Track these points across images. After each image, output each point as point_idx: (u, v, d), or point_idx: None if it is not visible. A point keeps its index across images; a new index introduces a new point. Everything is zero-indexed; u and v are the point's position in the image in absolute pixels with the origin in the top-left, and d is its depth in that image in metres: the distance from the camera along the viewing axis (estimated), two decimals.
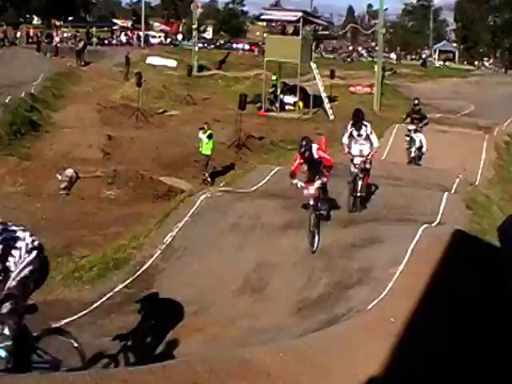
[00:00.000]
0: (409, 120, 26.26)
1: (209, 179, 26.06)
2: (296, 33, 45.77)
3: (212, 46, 78.83)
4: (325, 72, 48.89)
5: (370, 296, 11.31)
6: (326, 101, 44.14)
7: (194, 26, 61.39)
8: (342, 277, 12.92)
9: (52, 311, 13.42)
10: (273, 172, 20.00)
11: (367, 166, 17.24)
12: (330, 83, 47.96)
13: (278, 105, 44.76)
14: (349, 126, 17.47)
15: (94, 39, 70.98)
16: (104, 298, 13.61)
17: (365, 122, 17.47)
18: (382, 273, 12.19)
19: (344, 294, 12.27)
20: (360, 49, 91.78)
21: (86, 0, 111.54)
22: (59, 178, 23.32)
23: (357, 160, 17.02)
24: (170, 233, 15.33)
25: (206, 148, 26.62)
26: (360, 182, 16.99)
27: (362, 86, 53.16)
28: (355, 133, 17.35)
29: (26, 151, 29.15)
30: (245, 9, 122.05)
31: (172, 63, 59.05)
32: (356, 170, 17.00)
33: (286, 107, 45.49)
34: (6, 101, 35.93)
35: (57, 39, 64.59)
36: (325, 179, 14.61)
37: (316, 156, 14.79)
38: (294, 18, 45.45)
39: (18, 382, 7.51)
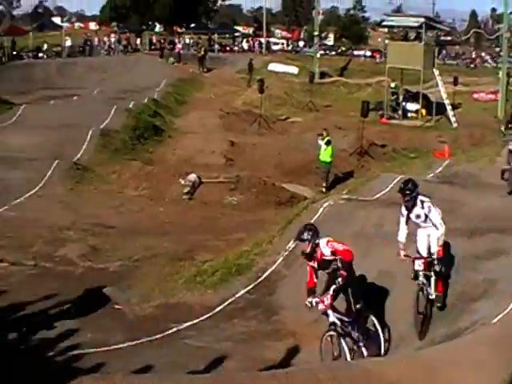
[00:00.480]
0: None
1: (323, 189, 25.41)
2: (418, 39, 45.23)
3: (333, 53, 78.46)
4: (448, 79, 47.94)
5: (495, 309, 11.00)
6: (449, 108, 43.29)
7: (316, 33, 61.30)
8: (465, 288, 12.59)
9: (174, 314, 13.69)
10: (396, 180, 19.63)
11: (436, 268, 12.14)
12: (453, 90, 46.88)
13: (400, 112, 44.19)
14: (402, 208, 12.37)
15: (216, 46, 71.82)
16: (226, 303, 13.73)
17: (421, 197, 12.31)
18: (507, 285, 11.84)
19: (468, 306, 11.96)
20: (484, 54, 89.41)
21: (207, 7, 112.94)
22: (182, 182, 23.70)
23: (418, 265, 12.07)
24: (293, 239, 15.18)
25: (325, 154, 26.48)
26: (429, 294, 12.14)
27: (485, 93, 51.87)
28: (413, 215, 12.30)
29: (149, 156, 29.84)
30: (366, 15, 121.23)
31: (294, 70, 59.12)
32: (421, 281, 12.12)
33: (409, 114, 44.81)
34: (130, 106, 36.92)
35: (179, 46, 65.64)
36: (340, 280, 11.10)
37: (328, 253, 11.36)
38: (416, 24, 44.96)
39: (144, 381, 7.70)
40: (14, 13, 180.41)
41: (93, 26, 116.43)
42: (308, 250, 11.27)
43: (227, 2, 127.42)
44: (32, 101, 45.12)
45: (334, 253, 11.34)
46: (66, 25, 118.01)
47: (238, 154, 29.02)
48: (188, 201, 23.01)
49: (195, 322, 13.31)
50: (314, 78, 51.78)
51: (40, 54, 66.94)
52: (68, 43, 68.13)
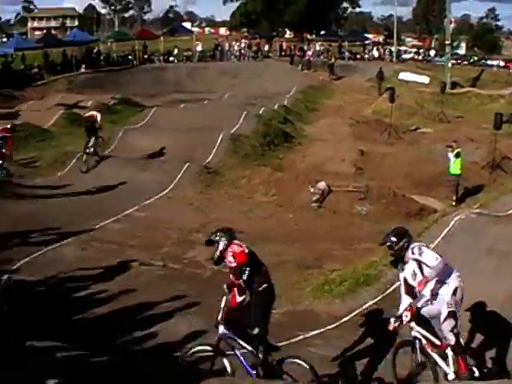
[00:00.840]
0: None
1: (453, 203, 25.00)
2: None
3: (465, 62, 76.97)
4: None
5: None
6: None
7: (447, 42, 60.19)
8: None
9: (301, 322, 13.66)
10: None
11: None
12: None
13: None
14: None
15: (346, 53, 71.60)
16: (353, 313, 13.60)
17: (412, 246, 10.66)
18: None
19: None
20: None
21: (338, 14, 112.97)
22: (311, 190, 23.63)
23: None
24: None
25: (455, 167, 25.94)
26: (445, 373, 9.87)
27: None
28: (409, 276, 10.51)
29: (279, 162, 29.96)
30: (499, 23, 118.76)
31: (424, 79, 58.26)
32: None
33: None
34: (260, 112, 37.17)
35: (309, 53, 65.81)
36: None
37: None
38: None
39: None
40: (145, 17, 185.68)
41: (223, 31, 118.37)
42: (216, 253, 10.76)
43: (357, 10, 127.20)
44: (163, 103, 46.26)
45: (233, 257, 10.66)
46: (196, 30, 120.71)
47: (368, 164, 28.76)
48: (317, 209, 22.91)
49: (322, 330, 13.24)
50: (446, 88, 50.86)
51: (171, 58, 68.49)
52: (199, 48, 69.40)
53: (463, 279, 13.56)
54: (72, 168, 27.90)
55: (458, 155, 25.85)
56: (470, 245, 15.12)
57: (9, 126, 22.77)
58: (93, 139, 28.54)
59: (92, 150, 28.48)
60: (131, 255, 18.21)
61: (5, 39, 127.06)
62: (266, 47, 75.99)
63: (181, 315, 13.87)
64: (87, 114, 29.92)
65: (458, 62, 72.84)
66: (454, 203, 24.81)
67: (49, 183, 26.33)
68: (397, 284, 13.78)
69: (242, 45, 71.47)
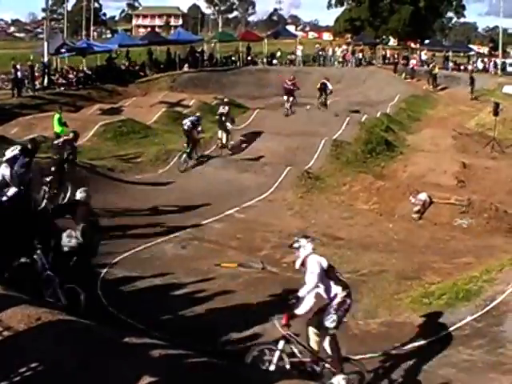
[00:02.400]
0: None
1: None
2: None
3: None
4: None
5: None
6: None
7: None
8: None
9: (399, 333, 13.59)
10: None
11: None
12: None
13: None
14: None
15: (450, 64, 70.66)
16: (452, 328, 13.44)
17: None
18: None
19: None
20: None
21: (443, 24, 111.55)
22: (412, 200, 23.43)
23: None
24: None
25: None
26: None
27: None
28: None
29: (381, 170, 29.82)
30: None
31: None
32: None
33: None
34: (363, 119, 37.07)
35: (413, 62, 65.16)
36: None
37: None
38: None
39: None
40: (249, 19, 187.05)
41: (327, 36, 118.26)
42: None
43: (462, 20, 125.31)
44: (265, 106, 46.41)
45: None
46: (300, 34, 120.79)
47: (470, 177, 28.32)
48: (417, 220, 22.75)
49: (419, 344, 13.15)
50: None
51: (274, 61, 68.78)
52: (299, 52, 69.48)
53: None
54: (173, 166, 28.42)
55: None
56: None
57: (71, 136, 23.52)
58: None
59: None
60: (230, 256, 18.46)
61: (109, 35, 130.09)
62: (370, 54, 75.75)
63: (278, 319, 13.95)
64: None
65: None
66: None
67: (150, 179, 26.85)
68: (497, 301, 13.68)
69: (346, 51, 71.35)
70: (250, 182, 25.98)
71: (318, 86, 43.98)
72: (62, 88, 49.86)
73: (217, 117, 33.03)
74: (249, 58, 69.85)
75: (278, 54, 71.34)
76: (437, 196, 23.82)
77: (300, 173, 26.72)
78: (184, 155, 28.90)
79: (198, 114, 31.55)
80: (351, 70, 62.69)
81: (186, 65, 62.46)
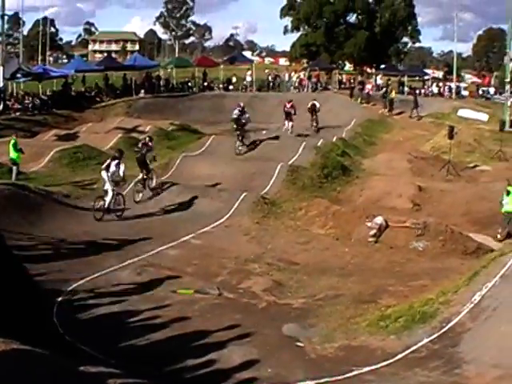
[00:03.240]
0: None
1: (498, 236, 25.16)
2: None
3: None
4: None
5: None
6: None
7: (507, 80, 59.67)
8: None
9: (355, 357, 13.58)
10: None
11: None
12: None
13: None
14: None
15: (406, 88, 71.44)
16: (408, 351, 13.44)
17: None
18: None
19: None
20: None
21: (398, 49, 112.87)
22: (368, 224, 23.52)
23: None
24: (479, 292, 14.58)
25: (506, 205, 25.88)
26: None
27: None
28: None
29: (337, 195, 30.00)
30: None
31: (483, 117, 57.75)
32: None
33: None
34: (319, 144, 37.26)
35: (368, 86, 65.77)
36: None
37: None
38: None
39: None
40: (206, 44, 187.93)
41: (283, 61, 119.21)
42: None
43: (417, 45, 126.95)
44: (221, 132, 46.48)
45: None
46: (256, 59, 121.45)
47: (426, 200, 28.61)
48: (374, 243, 22.82)
49: (376, 367, 13.16)
50: (505, 127, 50.37)
51: (230, 87, 69.03)
52: (248, 78, 69.84)
53: None
54: (130, 192, 28.18)
55: (508, 193, 25.85)
56: None
57: (147, 140, 25.13)
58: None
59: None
60: (187, 282, 18.32)
61: (65, 60, 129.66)
62: (326, 79, 76.30)
63: (235, 345, 13.88)
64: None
65: None
66: (498, 236, 25.01)
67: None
68: (453, 323, 13.76)
69: (302, 76, 71.78)
70: (206, 208, 25.88)
71: (309, 106, 46.52)
72: (18, 113, 49.56)
73: None
74: (205, 83, 70.03)
75: (234, 79, 71.58)
76: (393, 219, 23.93)
77: (256, 198, 26.71)
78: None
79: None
80: (307, 95, 62.88)
81: (142, 90, 62.45)
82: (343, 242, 23.12)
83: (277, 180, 29.66)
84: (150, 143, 28.55)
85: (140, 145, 28.88)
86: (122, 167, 25.94)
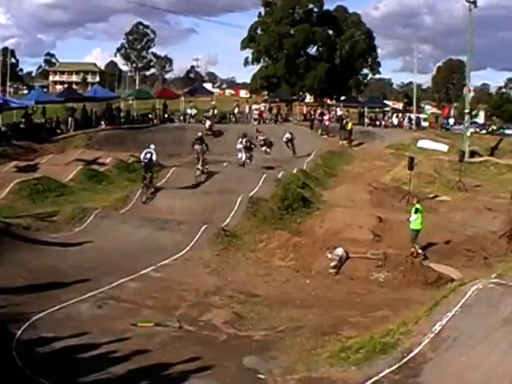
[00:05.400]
0: None
1: (419, 251, 26.03)
2: None
3: (484, 131, 77.32)
4: None
5: None
6: None
7: (466, 110, 60.56)
8: None
9: None
10: None
11: None
12: None
13: None
14: None
15: (366, 120, 72.10)
16: (370, 382, 13.42)
17: None
18: None
19: None
20: None
21: (358, 80, 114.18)
22: (329, 256, 23.54)
23: None
24: (440, 322, 14.67)
25: (414, 223, 26.65)
26: None
27: None
28: None
29: (297, 227, 30.00)
30: None
31: (443, 147, 58.53)
32: None
33: None
34: (279, 176, 37.37)
35: (326, 118, 66.14)
36: None
37: None
38: None
39: None
40: (167, 76, 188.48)
41: (243, 93, 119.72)
42: None
43: (377, 76, 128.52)
44: (182, 164, 46.41)
45: None
46: (217, 91, 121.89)
47: (386, 231, 28.73)
48: (334, 275, 22.84)
49: None
50: (464, 157, 50.85)
51: (191, 120, 69.01)
52: (188, 110, 70.19)
53: (479, 349, 13.59)
54: (89, 224, 28.01)
55: (416, 211, 26.66)
56: (487, 315, 14.96)
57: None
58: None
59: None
60: (147, 315, 18.20)
61: (26, 91, 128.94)
62: (286, 111, 76.74)
63: (195, 377, 13.81)
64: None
65: (477, 130, 73.22)
66: (412, 255, 25.47)
67: (66, 238, 26.43)
68: (414, 353, 13.78)
69: (262, 108, 72.10)
70: (166, 241, 25.75)
71: (285, 140, 49.37)
72: None
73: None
74: (166, 115, 70.03)
75: (195, 111, 71.57)
76: (353, 251, 24.00)
77: (217, 230, 26.60)
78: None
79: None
80: (268, 126, 63.14)
81: (103, 122, 62.22)
82: (304, 273, 23.12)
83: (237, 212, 29.63)
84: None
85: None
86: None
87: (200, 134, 41.62)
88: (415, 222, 26.65)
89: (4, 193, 33.27)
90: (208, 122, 63.11)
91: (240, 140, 44.04)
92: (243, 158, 43.48)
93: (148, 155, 34.20)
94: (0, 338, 15.44)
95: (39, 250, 24.22)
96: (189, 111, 69.77)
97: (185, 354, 15.25)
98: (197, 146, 38.87)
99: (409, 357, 13.92)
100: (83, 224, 28.08)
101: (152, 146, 34.74)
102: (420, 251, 26.09)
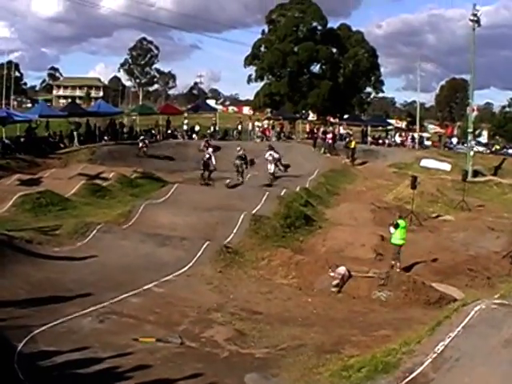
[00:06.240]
0: None
1: (397, 265, 26.16)
2: None
3: (487, 151, 77.42)
4: None
5: None
6: None
7: (469, 130, 60.58)
8: None
9: None
10: None
11: None
12: None
13: None
14: None
15: (369, 138, 72.13)
16: None
17: None
18: None
19: None
20: None
21: (361, 99, 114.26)
22: (331, 274, 23.50)
23: None
24: (442, 342, 14.53)
25: (394, 237, 26.82)
26: None
27: None
28: None
29: (300, 245, 29.97)
30: None
31: (446, 167, 58.52)
32: None
33: None
34: (282, 194, 37.36)
35: (329, 136, 66.08)
36: None
37: None
38: None
39: None
40: (170, 92, 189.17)
41: (246, 110, 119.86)
42: None
43: (381, 95, 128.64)
44: (185, 180, 46.50)
45: None
46: (220, 107, 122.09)
47: (388, 250, 28.65)
48: (336, 293, 22.80)
49: None
50: (467, 176, 50.83)
51: (193, 136, 69.13)
52: (186, 127, 70.37)
53: (480, 370, 13.53)
54: (92, 239, 28.00)
55: (396, 226, 26.77)
56: (489, 336, 14.90)
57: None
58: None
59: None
60: (148, 331, 18.13)
61: (29, 105, 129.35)
62: (289, 128, 76.81)
63: None
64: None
65: (480, 150, 73.22)
66: (397, 269, 25.81)
67: (68, 252, 26.42)
68: (416, 373, 13.70)
69: (266, 125, 72.15)
70: (169, 257, 25.71)
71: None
72: None
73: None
74: (168, 131, 70.16)
75: (197, 127, 71.75)
76: (355, 269, 23.99)
77: (219, 247, 26.56)
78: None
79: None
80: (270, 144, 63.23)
81: (106, 137, 62.31)
82: (306, 291, 23.08)
83: (240, 229, 29.57)
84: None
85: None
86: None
87: (242, 151, 45.85)
88: (395, 236, 26.69)
89: (7, 206, 33.31)
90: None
91: (269, 153, 46.83)
92: (272, 170, 46.05)
93: (207, 155, 43.13)
94: (1, 350, 15.41)
95: (41, 263, 24.21)
96: (185, 127, 69.92)
97: (186, 370, 15.20)
98: (237, 161, 44.41)
99: (411, 377, 13.81)
100: (86, 238, 28.03)
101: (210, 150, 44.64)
102: (398, 269, 25.93)
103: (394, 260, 26.42)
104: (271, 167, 46.01)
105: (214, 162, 44.13)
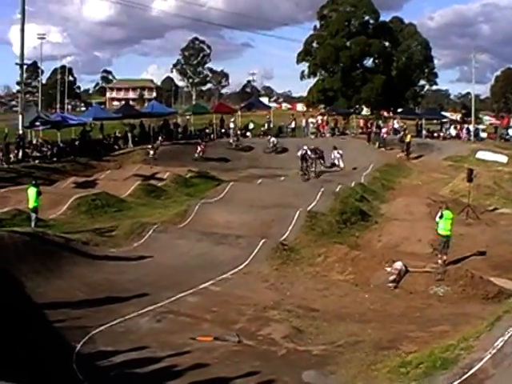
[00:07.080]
0: None
1: (443, 258, 25.51)
2: None
3: None
4: None
5: None
6: None
7: None
8: None
9: None
10: None
11: None
12: None
13: None
14: None
15: (424, 132, 71.35)
16: None
17: None
18: None
19: None
20: None
21: (415, 92, 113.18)
22: (388, 270, 23.32)
23: None
24: (502, 337, 14.20)
25: (439, 228, 26.15)
26: None
27: None
28: None
29: (356, 240, 29.79)
30: None
31: (503, 158, 57.50)
32: None
33: None
34: (337, 190, 37.20)
35: (384, 130, 65.63)
36: None
37: None
38: None
39: None
40: (223, 91, 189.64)
41: (300, 107, 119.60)
42: None
43: (434, 87, 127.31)
44: (239, 178, 46.57)
45: None
46: (273, 105, 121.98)
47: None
48: (393, 289, 22.60)
49: None
50: None
51: (247, 133, 69.07)
52: (231, 125, 70.11)
53: None
54: (148, 239, 28.23)
55: (441, 216, 26.06)
56: None
57: None
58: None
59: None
60: (206, 329, 18.26)
61: (83, 108, 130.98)
62: (343, 124, 76.45)
63: None
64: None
65: None
66: (439, 262, 25.24)
67: (124, 253, 26.68)
68: (475, 369, 13.53)
69: (320, 121, 71.89)
70: (225, 255, 25.83)
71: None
72: (37, 161, 50.15)
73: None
74: (222, 130, 70.27)
75: (251, 125, 71.76)
76: (412, 264, 23.77)
77: (275, 245, 26.57)
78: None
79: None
80: (325, 140, 63.03)
81: (160, 138, 62.68)
82: (362, 287, 22.91)
83: (295, 226, 29.53)
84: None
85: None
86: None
87: (312, 146, 48.81)
88: (440, 227, 26.15)
89: (63, 208, 33.79)
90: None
91: (337, 150, 51.12)
92: (341, 165, 50.01)
93: (303, 151, 46.08)
94: (60, 351, 15.65)
95: (98, 264, 24.54)
96: (232, 125, 69.72)
97: (244, 368, 15.27)
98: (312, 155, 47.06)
99: (470, 373, 13.63)
100: (142, 239, 28.32)
101: (305, 147, 47.03)
102: (441, 262, 25.37)
103: (439, 253, 25.94)
104: (339, 162, 49.96)
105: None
